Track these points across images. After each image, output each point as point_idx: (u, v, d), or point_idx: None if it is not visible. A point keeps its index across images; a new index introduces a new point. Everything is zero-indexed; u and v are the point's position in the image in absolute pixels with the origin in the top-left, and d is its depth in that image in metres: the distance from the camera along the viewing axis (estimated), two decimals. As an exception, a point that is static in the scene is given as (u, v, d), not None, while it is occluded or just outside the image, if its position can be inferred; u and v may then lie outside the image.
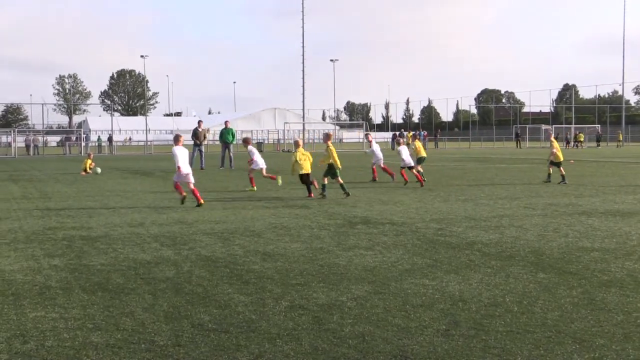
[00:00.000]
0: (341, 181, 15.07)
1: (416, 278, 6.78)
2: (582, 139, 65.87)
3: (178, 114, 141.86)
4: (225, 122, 29.87)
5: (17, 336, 4.96)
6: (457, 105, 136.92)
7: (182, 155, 13.45)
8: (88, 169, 25.52)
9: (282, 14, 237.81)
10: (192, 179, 13.49)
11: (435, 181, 20.05)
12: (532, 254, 8.01)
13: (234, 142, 29.21)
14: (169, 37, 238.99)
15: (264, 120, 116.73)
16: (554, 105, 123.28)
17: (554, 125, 77.47)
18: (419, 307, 5.66)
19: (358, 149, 59.38)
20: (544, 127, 79.34)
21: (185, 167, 13.42)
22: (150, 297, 6.09)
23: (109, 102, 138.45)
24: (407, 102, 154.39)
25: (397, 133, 66.25)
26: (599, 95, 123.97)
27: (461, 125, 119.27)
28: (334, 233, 9.79)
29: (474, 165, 31.03)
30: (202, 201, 13.18)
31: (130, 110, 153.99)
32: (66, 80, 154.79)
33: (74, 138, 65.96)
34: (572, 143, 65.60)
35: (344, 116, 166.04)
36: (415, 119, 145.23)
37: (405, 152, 19.02)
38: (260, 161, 17.11)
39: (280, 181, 17.49)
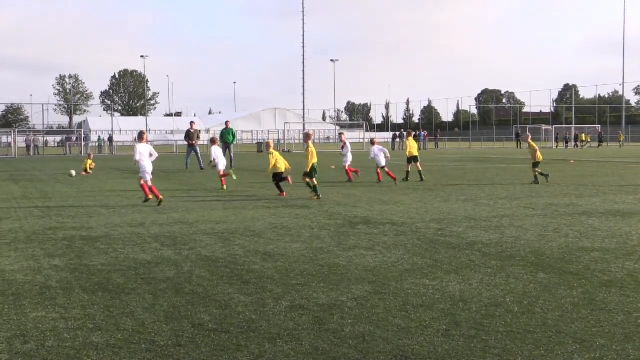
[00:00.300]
0: (315, 182, 15.07)
1: (416, 278, 6.78)
2: (589, 139, 65.98)
3: (178, 114, 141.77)
4: (226, 122, 29.92)
5: (17, 336, 4.96)
6: (458, 105, 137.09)
7: (143, 152, 13.99)
8: (88, 169, 25.53)
9: (283, 14, 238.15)
10: (150, 176, 14.04)
11: (435, 181, 20.06)
12: (533, 254, 8.01)
13: (235, 142, 29.30)
14: (169, 37, 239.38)
15: (265, 120, 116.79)
16: (555, 105, 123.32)
17: (554, 126, 77.40)
18: (419, 307, 5.66)
19: (358, 149, 59.40)
20: (544, 127, 79.43)
21: (147, 165, 13.90)
22: (151, 297, 6.10)
23: (109, 102, 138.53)
24: (408, 102, 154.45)
25: (397, 133, 66.23)
26: (599, 95, 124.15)
27: (461, 125, 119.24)
28: (334, 233, 9.80)
29: (474, 165, 31.03)
30: (161, 197, 13.70)
31: (130, 110, 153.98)
32: (67, 80, 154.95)
33: (74, 138, 65.97)
34: (572, 143, 65.67)
35: (344, 116, 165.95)
36: (416, 119, 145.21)
37: (378, 152, 19.86)
38: (221, 161, 17.97)
39: (234, 176, 18.97)
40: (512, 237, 9.27)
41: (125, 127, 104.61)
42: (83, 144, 57.63)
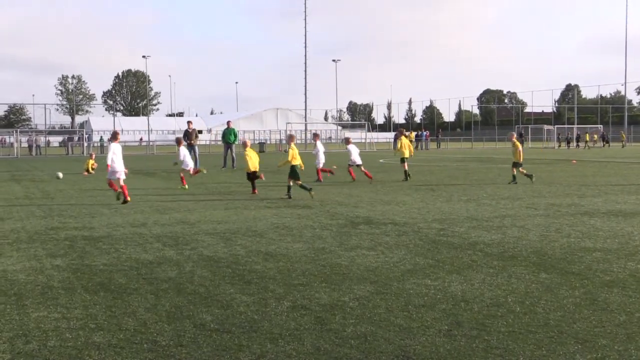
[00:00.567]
0: (300, 183, 15.11)
1: (418, 278, 6.78)
2: (595, 139, 65.93)
3: (180, 114, 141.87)
4: (228, 122, 29.90)
5: (19, 336, 4.97)
6: (460, 105, 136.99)
7: (117, 152, 14.16)
8: (90, 170, 25.55)
9: (283, 15, 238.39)
10: (123, 176, 14.12)
11: (437, 181, 20.06)
12: (535, 254, 8.00)
13: (236, 142, 29.29)
14: (170, 37, 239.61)
15: (266, 120, 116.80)
16: (557, 105, 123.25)
17: (556, 126, 77.35)
18: (421, 308, 5.66)
19: (360, 149, 59.34)
20: (546, 127, 79.37)
21: (118, 165, 14.03)
22: (153, 297, 6.10)
23: (111, 103, 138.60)
24: (410, 102, 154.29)
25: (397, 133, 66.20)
26: (601, 95, 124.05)
27: (463, 125, 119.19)
28: (336, 233, 9.79)
29: (476, 165, 31.01)
30: (129, 199, 13.83)
31: (132, 110, 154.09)
32: (70, 81, 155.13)
33: (76, 138, 66.01)
34: (574, 143, 65.60)
35: (346, 116, 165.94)
36: (418, 119, 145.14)
37: (354, 152, 20.46)
38: (189, 161, 18.65)
39: (204, 170, 20.76)
40: (514, 237, 9.27)
41: (127, 127, 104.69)
42: (85, 144, 57.69)
